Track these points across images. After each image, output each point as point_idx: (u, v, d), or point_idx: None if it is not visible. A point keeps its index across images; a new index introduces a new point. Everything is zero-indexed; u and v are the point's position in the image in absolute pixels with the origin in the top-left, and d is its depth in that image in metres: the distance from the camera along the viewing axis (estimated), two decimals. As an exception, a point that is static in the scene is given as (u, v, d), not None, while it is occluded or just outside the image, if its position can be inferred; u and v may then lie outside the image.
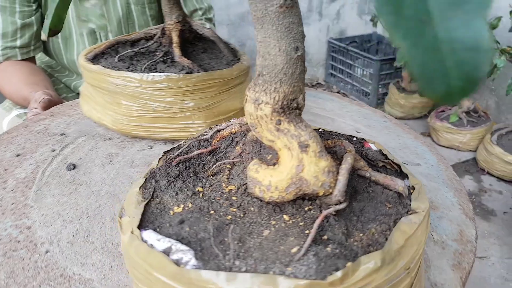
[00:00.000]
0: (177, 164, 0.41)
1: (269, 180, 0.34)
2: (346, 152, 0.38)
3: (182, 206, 0.37)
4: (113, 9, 1.18)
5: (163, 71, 0.64)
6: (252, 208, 0.36)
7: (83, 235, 0.49)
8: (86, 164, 0.62)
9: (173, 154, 0.43)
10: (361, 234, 0.33)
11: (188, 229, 0.33)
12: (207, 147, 0.43)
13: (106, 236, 0.49)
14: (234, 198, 0.37)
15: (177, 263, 0.30)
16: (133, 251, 0.32)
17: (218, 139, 0.42)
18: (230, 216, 0.35)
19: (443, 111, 2.16)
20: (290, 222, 0.34)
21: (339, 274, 0.28)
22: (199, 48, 0.74)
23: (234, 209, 0.36)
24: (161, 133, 0.67)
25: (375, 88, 2.44)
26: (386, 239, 0.32)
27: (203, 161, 0.42)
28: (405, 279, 0.32)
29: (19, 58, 1.09)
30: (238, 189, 0.38)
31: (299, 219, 0.35)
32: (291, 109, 0.34)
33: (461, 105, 2.04)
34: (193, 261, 0.30)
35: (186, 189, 0.39)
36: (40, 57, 1.23)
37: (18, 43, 1.08)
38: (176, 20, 0.70)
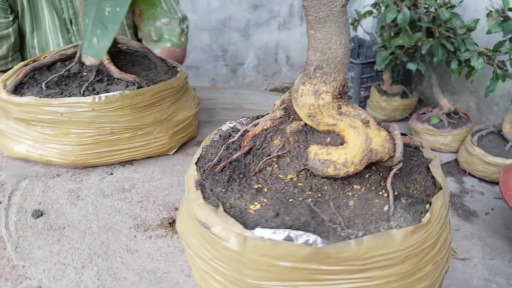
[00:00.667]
0: (221, 170, 0.42)
1: (345, 158, 0.38)
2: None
3: (256, 203, 0.39)
4: None
5: (105, 91, 0.60)
6: (325, 187, 0.40)
7: (109, 275, 0.45)
8: (52, 207, 0.56)
9: (206, 162, 0.44)
10: (413, 184, 0.41)
11: (287, 218, 0.36)
12: (237, 149, 0.45)
13: (134, 267, 0.46)
14: (300, 184, 0.40)
15: (308, 245, 0.33)
16: (251, 251, 0.34)
17: (250, 138, 0.44)
18: (310, 199, 0.39)
19: (424, 113, 2.18)
20: (363, 189, 0.40)
21: (428, 215, 0.36)
22: (127, 61, 0.69)
23: (309, 192, 0.39)
24: (121, 156, 0.62)
25: (357, 91, 2.46)
26: (433, 183, 0.42)
27: (242, 161, 0.44)
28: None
29: None
30: (298, 176, 0.41)
31: (368, 185, 0.40)
32: (344, 93, 0.40)
33: (441, 107, 2.06)
34: (319, 240, 0.34)
35: (246, 189, 0.40)
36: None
37: None
38: None
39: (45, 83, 0.62)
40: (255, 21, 2.71)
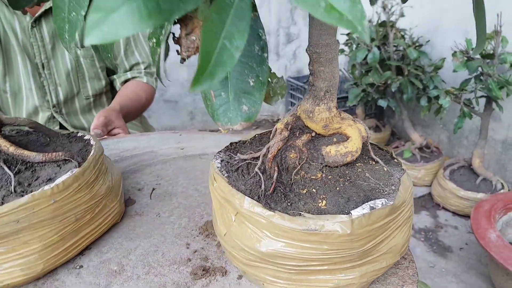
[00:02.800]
0: (271, 189, 0.49)
1: (355, 147, 0.51)
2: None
3: (320, 201, 0.48)
4: (62, 63, 1.16)
5: (48, 180, 0.52)
6: (346, 172, 0.51)
7: None
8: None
9: (246, 191, 0.49)
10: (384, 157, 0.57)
11: (353, 199, 0.48)
12: (263, 172, 0.52)
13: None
14: (330, 177, 0.51)
15: (385, 206, 0.46)
16: (357, 227, 0.43)
17: (272, 160, 0.52)
18: (346, 183, 0.50)
19: (397, 147, 2.22)
20: (362, 165, 0.53)
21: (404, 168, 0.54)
22: (20, 142, 0.58)
23: (342, 179, 0.50)
24: (85, 243, 0.56)
25: (332, 125, 2.50)
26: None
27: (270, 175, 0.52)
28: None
29: None
30: (323, 173, 0.51)
31: (362, 162, 0.53)
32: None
33: (413, 141, 2.10)
34: (385, 200, 0.46)
35: (301, 197, 0.48)
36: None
37: None
38: None
39: None
40: (231, 57, 2.76)
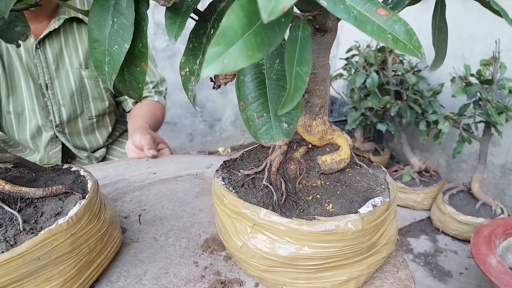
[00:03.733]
0: (281, 201, 0.53)
1: (347, 154, 0.57)
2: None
3: (327, 205, 0.53)
4: (66, 83, 1.18)
5: (56, 214, 0.50)
6: (341, 177, 0.57)
7: None
8: None
9: (258, 202, 0.53)
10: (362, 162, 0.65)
11: (354, 199, 0.54)
12: (268, 186, 0.56)
13: None
14: (328, 183, 0.56)
15: (384, 202, 0.53)
16: (367, 223, 0.50)
17: (276, 173, 0.55)
18: (344, 187, 0.56)
19: (396, 170, 2.22)
20: (351, 170, 0.59)
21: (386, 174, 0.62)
22: (6, 179, 0.55)
23: (338, 184, 0.56)
24: (96, 273, 0.55)
25: (332, 148, 2.51)
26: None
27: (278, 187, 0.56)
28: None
29: None
30: (321, 180, 0.56)
31: (349, 167, 0.59)
32: None
33: (412, 165, 2.11)
34: (382, 198, 0.53)
35: (309, 203, 0.53)
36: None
37: None
38: None
39: None
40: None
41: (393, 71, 2.00)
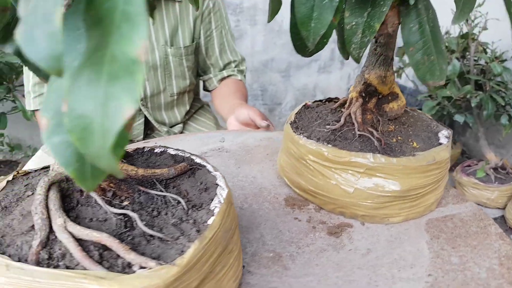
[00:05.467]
0: (383, 143, 0.62)
1: (404, 100, 0.68)
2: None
3: (413, 143, 0.62)
4: (151, 58, 1.19)
5: (204, 198, 0.45)
6: (402, 120, 0.67)
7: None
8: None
9: (322, 130, 0.65)
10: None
11: (429, 134, 0.65)
12: (337, 120, 0.67)
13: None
14: (397, 126, 0.65)
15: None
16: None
17: (361, 121, 0.63)
18: (410, 127, 0.66)
19: (469, 165, 2.12)
20: (404, 114, 0.69)
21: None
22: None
23: (405, 125, 0.67)
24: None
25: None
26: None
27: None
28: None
29: None
30: (391, 125, 0.65)
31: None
32: None
33: (488, 161, 2.00)
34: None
35: (396, 143, 0.62)
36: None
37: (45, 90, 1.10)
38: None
39: None
40: (296, 63, 2.75)
41: (474, 60, 1.89)
